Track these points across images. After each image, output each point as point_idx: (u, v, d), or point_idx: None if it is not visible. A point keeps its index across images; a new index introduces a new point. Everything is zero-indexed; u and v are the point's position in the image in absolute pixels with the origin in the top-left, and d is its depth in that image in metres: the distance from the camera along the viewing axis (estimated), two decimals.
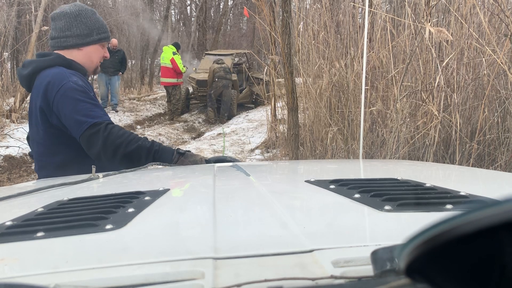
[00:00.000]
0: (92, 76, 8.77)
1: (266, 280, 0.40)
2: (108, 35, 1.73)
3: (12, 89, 8.70)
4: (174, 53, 9.53)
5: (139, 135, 1.60)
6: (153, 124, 9.91)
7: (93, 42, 1.67)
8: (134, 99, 12.12)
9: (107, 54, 1.75)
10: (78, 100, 1.50)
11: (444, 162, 3.46)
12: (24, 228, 0.59)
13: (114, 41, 9.77)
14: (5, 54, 9.30)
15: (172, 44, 9.96)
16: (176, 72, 9.58)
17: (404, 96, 3.56)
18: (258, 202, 0.78)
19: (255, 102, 11.12)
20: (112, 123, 1.55)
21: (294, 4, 5.14)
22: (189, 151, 1.66)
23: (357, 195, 0.72)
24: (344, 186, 0.80)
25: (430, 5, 3.22)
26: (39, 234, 0.57)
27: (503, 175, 1.12)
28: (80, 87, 1.53)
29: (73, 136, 1.52)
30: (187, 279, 0.43)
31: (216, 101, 9.68)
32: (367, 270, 0.40)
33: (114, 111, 9.70)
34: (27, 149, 5.47)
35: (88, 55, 1.68)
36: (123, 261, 0.48)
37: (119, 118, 9.24)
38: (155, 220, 0.67)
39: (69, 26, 1.64)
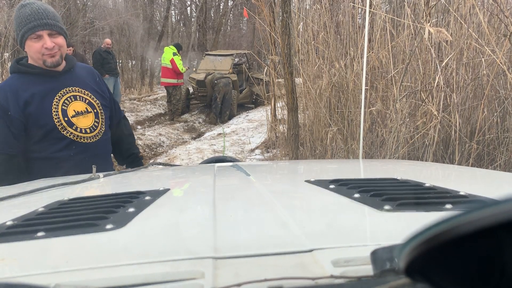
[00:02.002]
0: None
1: (266, 280, 0.40)
2: (30, 26, 1.56)
3: None
4: (174, 54, 9.53)
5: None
6: (153, 124, 9.90)
7: (23, 41, 1.61)
8: (135, 100, 12.12)
9: (47, 44, 1.58)
10: None
11: (443, 162, 3.46)
12: (25, 228, 0.59)
13: (108, 41, 9.74)
14: (6, 55, 9.30)
15: (173, 45, 9.95)
16: (176, 73, 9.59)
17: (404, 96, 3.56)
18: (258, 202, 0.78)
19: (255, 102, 11.11)
20: (6, 154, 1.56)
21: (294, 4, 5.14)
22: None
23: (357, 195, 0.72)
24: (344, 186, 0.80)
25: (429, 5, 3.22)
26: (40, 234, 0.57)
27: (503, 175, 1.12)
28: None
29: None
30: (187, 279, 0.43)
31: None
32: (367, 270, 0.40)
33: None
34: None
35: (30, 54, 1.63)
36: (123, 261, 0.48)
37: None
38: (155, 220, 0.67)
39: None
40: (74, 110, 1.68)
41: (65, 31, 1.69)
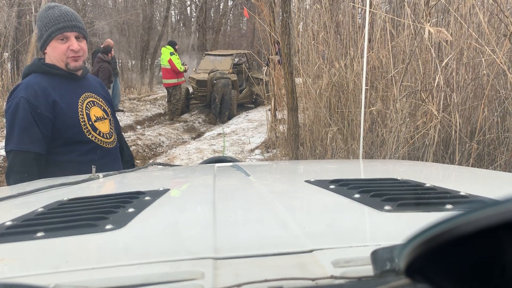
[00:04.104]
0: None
1: (266, 280, 0.40)
2: (59, 27, 1.57)
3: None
4: (171, 54, 9.52)
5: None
6: (153, 124, 9.90)
7: (47, 41, 1.60)
8: (134, 99, 12.11)
9: (74, 46, 1.59)
10: (15, 119, 1.52)
11: (444, 162, 3.46)
12: (24, 228, 0.59)
13: (110, 42, 9.71)
14: (5, 55, 9.29)
15: (168, 44, 9.93)
16: (176, 72, 9.57)
17: (404, 96, 3.56)
18: (258, 202, 0.78)
19: (255, 102, 11.11)
20: (35, 152, 1.53)
21: (293, 4, 5.14)
22: None
23: (357, 195, 0.72)
24: (344, 186, 0.80)
25: (429, 5, 3.22)
26: (39, 234, 0.57)
27: (503, 175, 1.12)
28: (23, 104, 1.51)
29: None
30: (187, 279, 0.43)
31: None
32: (367, 270, 0.40)
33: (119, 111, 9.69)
34: None
35: (52, 55, 1.62)
36: (123, 261, 0.48)
37: (119, 118, 9.22)
38: (155, 220, 0.67)
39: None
40: (95, 115, 1.69)
41: (88, 36, 1.71)
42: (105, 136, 1.71)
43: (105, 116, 1.75)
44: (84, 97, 1.68)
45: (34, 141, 1.54)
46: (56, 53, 1.60)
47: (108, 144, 1.72)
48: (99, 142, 1.67)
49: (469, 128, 3.50)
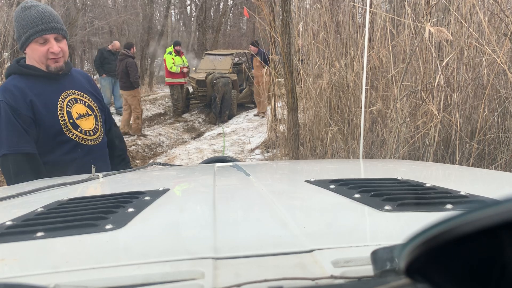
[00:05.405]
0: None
1: (266, 280, 0.40)
2: (37, 29, 1.54)
3: None
4: (169, 53, 9.63)
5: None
6: (153, 124, 9.90)
7: (26, 43, 1.58)
8: None
9: (54, 49, 1.57)
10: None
11: (444, 162, 3.46)
12: (24, 228, 0.59)
13: (116, 43, 9.75)
14: (5, 54, 9.29)
15: (173, 44, 10.04)
16: (169, 72, 9.65)
17: (404, 96, 3.56)
18: (258, 202, 0.78)
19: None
20: (27, 153, 1.53)
21: (294, 4, 5.13)
22: None
23: (357, 195, 0.72)
24: (344, 186, 0.80)
25: (430, 4, 3.22)
26: (39, 234, 0.57)
27: (503, 175, 1.12)
28: (4, 108, 1.50)
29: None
30: (187, 279, 0.43)
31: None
32: (367, 270, 0.40)
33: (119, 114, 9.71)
34: None
35: (31, 56, 1.60)
36: (123, 261, 0.48)
37: (119, 119, 9.24)
38: (155, 220, 0.67)
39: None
40: (77, 113, 1.68)
41: (67, 34, 1.69)
42: (87, 133, 1.69)
43: (89, 113, 1.73)
44: (65, 95, 1.66)
45: (22, 141, 1.53)
46: (36, 55, 1.59)
47: (91, 141, 1.70)
48: (80, 140, 1.66)
49: (469, 128, 3.50)
